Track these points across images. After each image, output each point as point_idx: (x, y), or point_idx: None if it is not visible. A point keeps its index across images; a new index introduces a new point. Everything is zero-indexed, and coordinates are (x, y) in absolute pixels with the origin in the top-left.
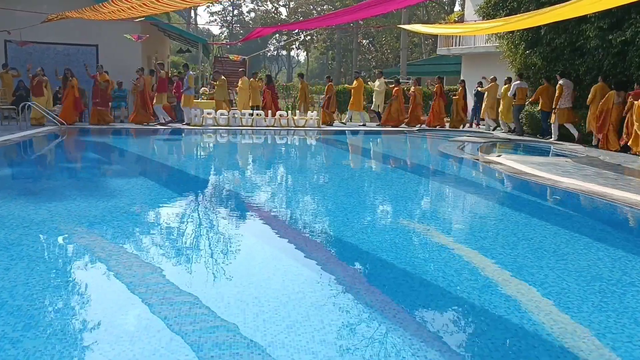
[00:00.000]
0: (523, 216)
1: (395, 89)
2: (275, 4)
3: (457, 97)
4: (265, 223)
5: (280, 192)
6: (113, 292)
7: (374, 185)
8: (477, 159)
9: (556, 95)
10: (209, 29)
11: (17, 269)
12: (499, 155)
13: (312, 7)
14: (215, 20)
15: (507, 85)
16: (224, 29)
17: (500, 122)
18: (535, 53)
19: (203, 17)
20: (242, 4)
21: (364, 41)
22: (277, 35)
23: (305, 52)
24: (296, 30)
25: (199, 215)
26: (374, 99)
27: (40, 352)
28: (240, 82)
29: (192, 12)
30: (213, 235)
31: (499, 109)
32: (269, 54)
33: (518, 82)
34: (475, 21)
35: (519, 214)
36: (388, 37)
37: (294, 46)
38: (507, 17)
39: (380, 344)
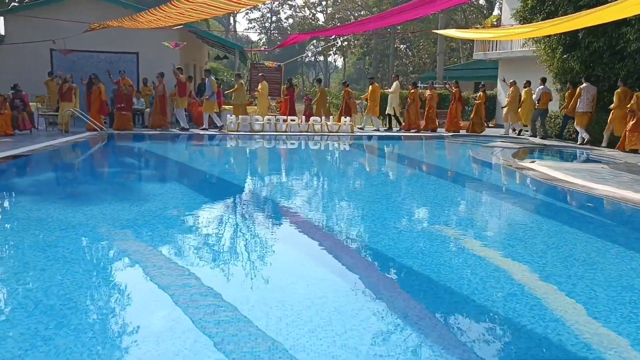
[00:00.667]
0: (553, 223)
1: (411, 91)
2: (313, 10)
3: (478, 102)
4: (294, 227)
5: (309, 197)
6: (141, 293)
7: (403, 191)
8: (510, 165)
9: (575, 97)
10: (247, 36)
11: (52, 269)
12: (533, 162)
13: (349, 12)
14: (254, 26)
15: (527, 89)
16: (262, 35)
17: (517, 125)
18: (573, 57)
19: (242, 24)
20: (281, 11)
21: (402, 46)
22: (314, 41)
23: (342, 58)
24: (333, 36)
25: (228, 219)
26: (388, 102)
27: (70, 350)
28: (259, 87)
29: (232, 18)
30: (241, 239)
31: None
32: (306, 59)
33: (542, 86)
34: (512, 25)
35: (549, 221)
36: (425, 42)
37: (331, 52)
38: (541, 22)
39: (401, 351)
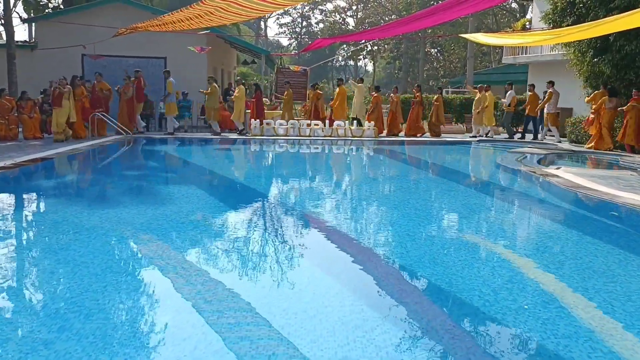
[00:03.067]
0: (573, 233)
1: (374, 96)
2: (343, 15)
3: (436, 104)
4: (307, 234)
5: (325, 202)
6: (142, 297)
7: (421, 197)
8: (534, 172)
9: (545, 100)
10: (278, 40)
11: (61, 272)
12: (558, 168)
13: (379, 17)
14: (285, 31)
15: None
16: (293, 40)
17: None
18: (604, 61)
19: (273, 29)
20: (311, 16)
21: (432, 50)
22: (344, 45)
23: (372, 62)
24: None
25: (240, 225)
26: (352, 106)
27: (70, 355)
28: (237, 91)
29: (262, 23)
30: (251, 245)
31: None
32: (337, 64)
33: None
34: (542, 29)
35: (569, 230)
36: (456, 46)
37: (361, 56)
38: (568, 28)
39: None
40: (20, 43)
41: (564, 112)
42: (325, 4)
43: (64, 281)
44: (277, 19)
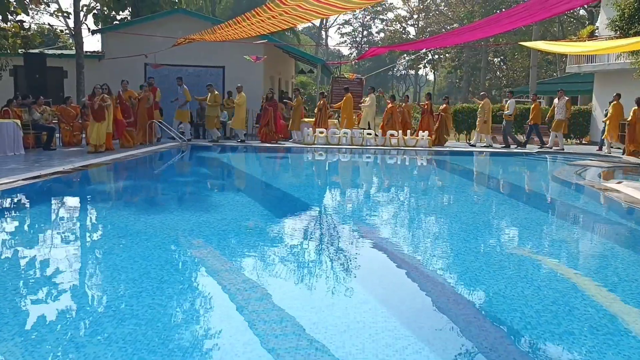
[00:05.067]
0: (630, 253)
1: (389, 106)
2: (404, 24)
3: (443, 114)
4: (348, 245)
5: (372, 214)
6: (174, 299)
7: (468, 210)
8: (593, 186)
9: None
10: (339, 50)
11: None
12: (620, 182)
13: (441, 25)
14: (345, 41)
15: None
16: (354, 49)
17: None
18: None
19: (334, 39)
20: (372, 25)
21: (495, 59)
22: (404, 54)
23: (432, 71)
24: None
25: (285, 234)
26: (362, 116)
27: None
28: (237, 98)
29: (323, 33)
30: (290, 255)
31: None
32: (398, 73)
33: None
34: (609, 37)
35: (626, 250)
36: (519, 55)
37: (421, 65)
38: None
39: None
40: (88, 53)
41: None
42: (386, 13)
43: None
44: (339, 28)
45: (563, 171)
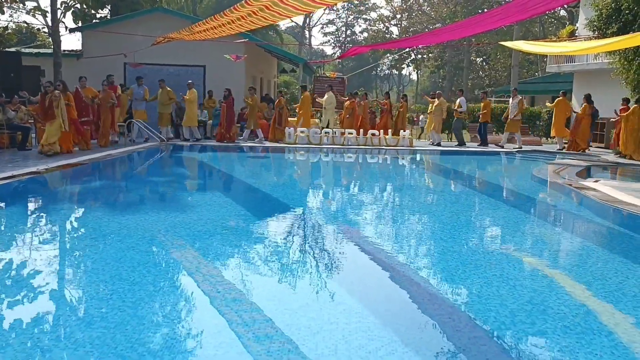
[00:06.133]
0: (602, 252)
1: (347, 102)
2: (387, 24)
3: (401, 110)
4: (325, 244)
5: (351, 212)
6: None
7: (445, 209)
8: (570, 184)
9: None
10: (322, 49)
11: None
12: (597, 181)
13: (424, 25)
14: (329, 40)
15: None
16: (337, 49)
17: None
18: None
19: (317, 38)
20: (355, 24)
21: (478, 59)
22: (388, 54)
23: (416, 71)
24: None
25: (263, 233)
26: (323, 115)
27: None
28: (187, 94)
29: (307, 32)
30: (265, 254)
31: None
32: (381, 73)
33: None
34: (588, 37)
35: (599, 249)
36: (502, 54)
37: (404, 65)
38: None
39: None
40: (66, 52)
41: (610, 123)
42: (369, 13)
43: None
44: (322, 27)
45: (542, 170)
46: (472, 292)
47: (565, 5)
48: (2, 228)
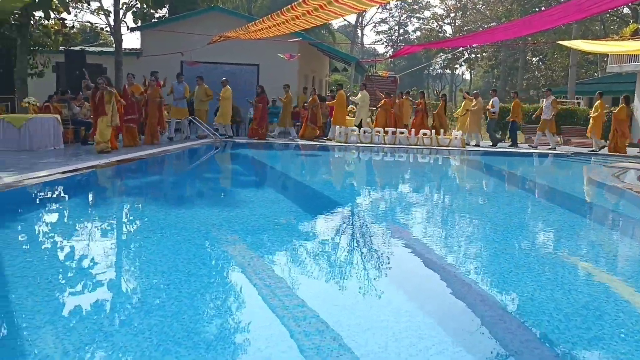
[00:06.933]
0: None
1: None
2: (441, 23)
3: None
4: (379, 244)
5: (405, 213)
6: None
7: (494, 212)
8: (630, 188)
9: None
10: (374, 48)
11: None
12: None
13: (479, 24)
14: (381, 39)
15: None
16: (389, 48)
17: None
18: None
19: (369, 37)
20: (408, 23)
21: (534, 59)
22: (441, 53)
23: (469, 70)
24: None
25: (315, 232)
26: (356, 114)
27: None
28: (223, 92)
29: (359, 31)
30: (315, 251)
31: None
32: (434, 72)
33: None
34: None
35: None
36: (558, 54)
37: (457, 64)
38: None
39: None
40: (127, 50)
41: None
42: (422, 12)
43: None
44: (375, 26)
45: (600, 173)
46: (524, 295)
47: (630, 4)
48: (67, 220)
